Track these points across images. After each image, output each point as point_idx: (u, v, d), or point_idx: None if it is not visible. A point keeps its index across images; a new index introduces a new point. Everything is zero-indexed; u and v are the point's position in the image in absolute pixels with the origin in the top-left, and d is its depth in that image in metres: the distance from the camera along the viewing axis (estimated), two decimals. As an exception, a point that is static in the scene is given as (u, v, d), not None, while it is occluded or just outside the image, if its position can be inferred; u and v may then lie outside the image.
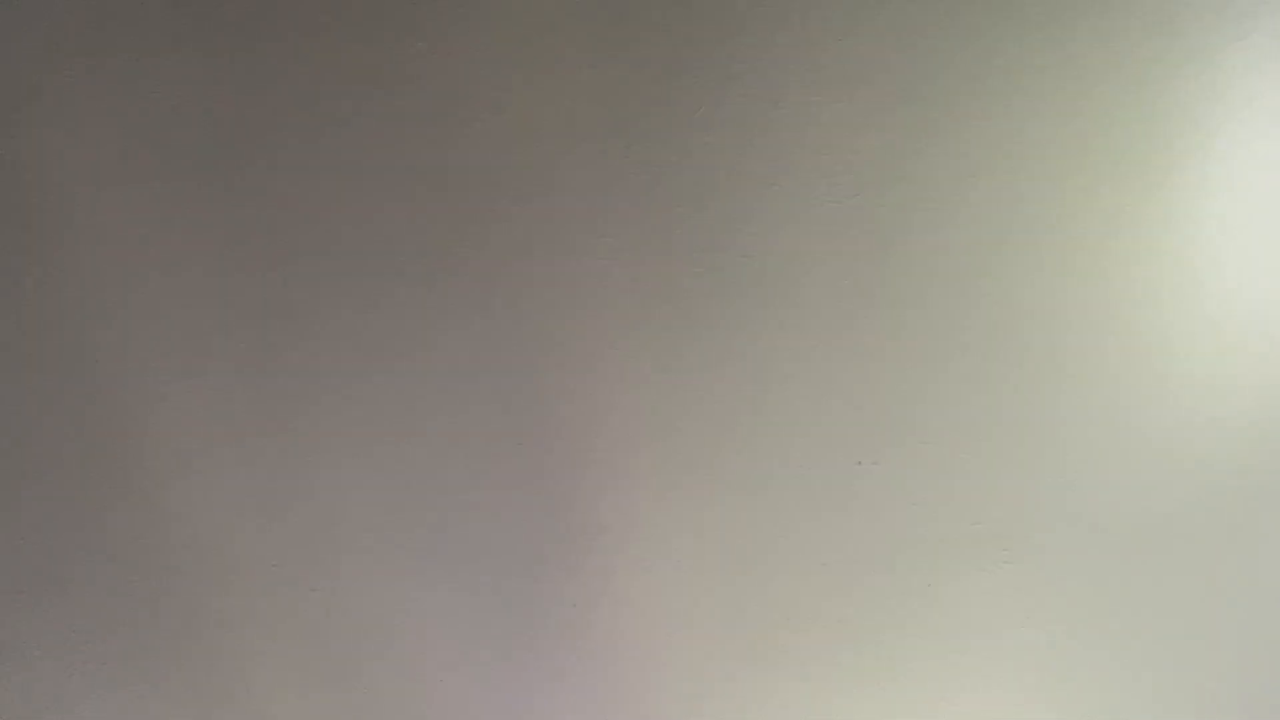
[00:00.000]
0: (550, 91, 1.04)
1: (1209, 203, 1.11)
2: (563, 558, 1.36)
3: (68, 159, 1.05)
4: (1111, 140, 1.08)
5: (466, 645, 1.44)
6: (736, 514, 1.32)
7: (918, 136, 1.07)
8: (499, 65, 1.02)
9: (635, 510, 1.31)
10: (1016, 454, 1.28)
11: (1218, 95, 1.05)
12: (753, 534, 1.33)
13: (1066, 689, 1.49)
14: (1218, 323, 1.19)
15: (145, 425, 1.22)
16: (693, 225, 1.12)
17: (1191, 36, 1.01)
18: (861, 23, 1.01)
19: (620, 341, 1.19)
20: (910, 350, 1.20)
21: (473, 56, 1.02)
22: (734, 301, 1.16)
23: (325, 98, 1.04)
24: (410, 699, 1.50)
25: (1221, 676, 1.50)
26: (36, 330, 1.14)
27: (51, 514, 1.27)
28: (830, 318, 1.18)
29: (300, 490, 1.28)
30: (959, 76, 1.04)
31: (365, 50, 1.01)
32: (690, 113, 1.05)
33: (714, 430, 1.25)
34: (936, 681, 1.47)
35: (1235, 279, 1.17)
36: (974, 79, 1.04)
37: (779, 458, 1.27)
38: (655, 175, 1.09)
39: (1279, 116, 1.05)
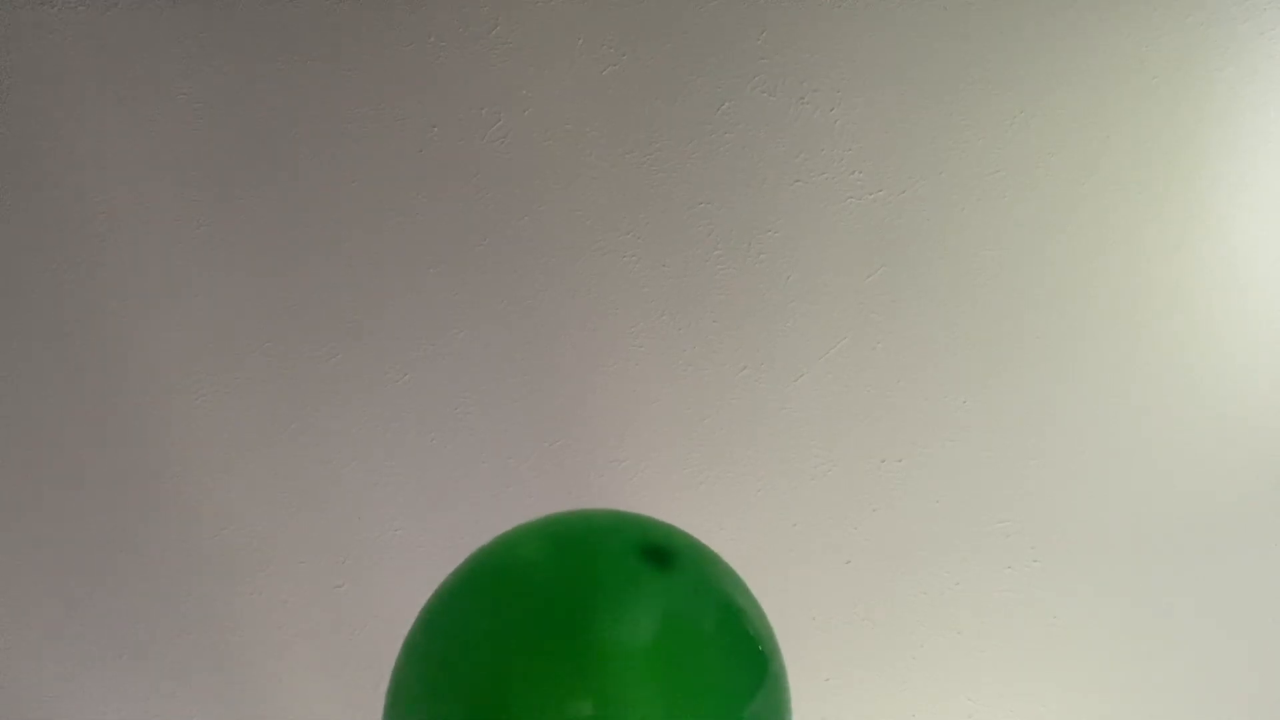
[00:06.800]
0: (572, 88, 1.05)
1: (1237, 198, 1.10)
2: (586, 556, 1.36)
3: (92, 163, 1.07)
4: (1138, 135, 1.07)
5: (491, 643, 1.44)
6: (759, 512, 1.31)
7: (941, 132, 1.07)
8: (521, 63, 1.03)
9: (658, 508, 1.31)
10: (1044, 453, 1.27)
11: (1247, 88, 1.04)
12: (776, 532, 1.33)
13: (1096, 691, 1.48)
14: (1249, 321, 1.18)
15: (174, 426, 1.24)
16: (715, 222, 1.12)
17: (1219, 28, 1.00)
18: (886, 18, 1.01)
19: (642, 338, 1.19)
20: (934, 347, 1.20)
21: (494, 54, 1.03)
22: (756, 298, 1.17)
23: (347, 98, 1.05)
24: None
25: (1258, 680, 1.47)
26: (66, 336, 1.17)
27: (83, 513, 1.29)
28: (853, 315, 1.18)
29: (327, 488, 1.29)
30: (983, 72, 1.04)
31: (385, 50, 1.02)
32: (713, 109, 1.05)
33: (735, 428, 1.25)
34: (962, 681, 1.46)
35: (1266, 275, 1.15)
36: (999, 73, 1.04)
37: (802, 456, 1.27)
38: (677, 172, 1.09)
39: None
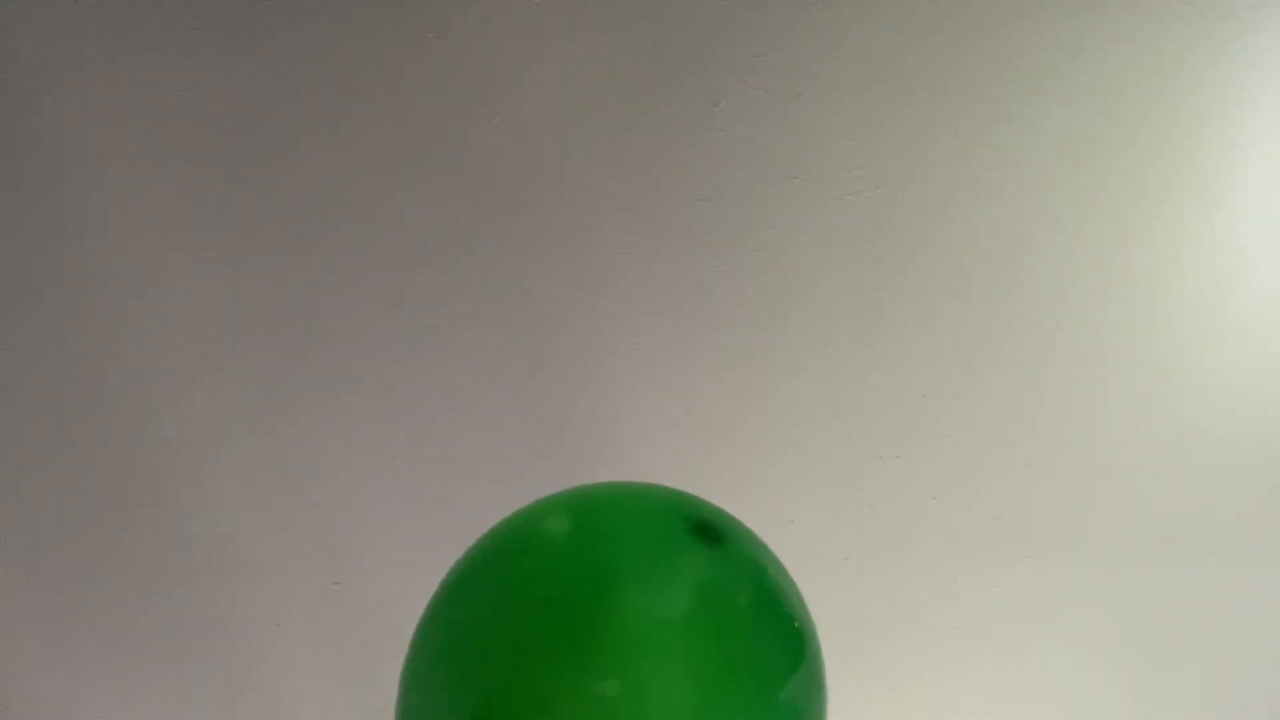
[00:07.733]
0: (568, 85, 1.04)
1: (1237, 197, 1.10)
2: (583, 553, 1.36)
3: (84, 156, 1.07)
4: (1137, 133, 1.07)
5: (487, 640, 1.44)
6: (755, 509, 1.31)
7: (939, 128, 1.07)
8: (515, 59, 1.03)
9: (655, 505, 1.31)
10: (1040, 449, 1.27)
11: (1247, 87, 1.04)
12: (772, 529, 1.33)
13: (1089, 687, 1.48)
14: (1249, 320, 1.18)
15: (166, 423, 1.23)
16: (712, 219, 1.12)
17: (1219, 27, 1.00)
18: (882, 13, 1.01)
19: (638, 336, 1.19)
20: (931, 344, 1.20)
21: (488, 50, 1.03)
22: (754, 295, 1.16)
23: (341, 95, 1.05)
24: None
25: (1250, 679, 1.48)
26: (57, 330, 1.16)
27: (73, 512, 1.29)
28: (851, 311, 1.18)
29: (323, 486, 1.29)
30: (981, 68, 1.04)
31: (380, 45, 1.02)
32: (710, 105, 1.05)
33: (733, 425, 1.25)
34: (959, 678, 1.46)
35: (1267, 275, 1.15)
36: (996, 70, 1.04)
37: (799, 452, 1.27)
38: (674, 169, 1.09)
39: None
